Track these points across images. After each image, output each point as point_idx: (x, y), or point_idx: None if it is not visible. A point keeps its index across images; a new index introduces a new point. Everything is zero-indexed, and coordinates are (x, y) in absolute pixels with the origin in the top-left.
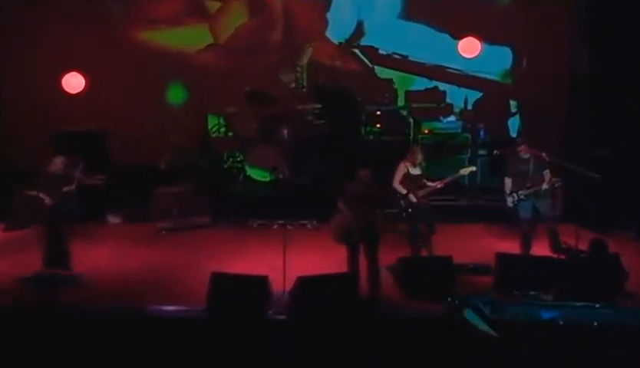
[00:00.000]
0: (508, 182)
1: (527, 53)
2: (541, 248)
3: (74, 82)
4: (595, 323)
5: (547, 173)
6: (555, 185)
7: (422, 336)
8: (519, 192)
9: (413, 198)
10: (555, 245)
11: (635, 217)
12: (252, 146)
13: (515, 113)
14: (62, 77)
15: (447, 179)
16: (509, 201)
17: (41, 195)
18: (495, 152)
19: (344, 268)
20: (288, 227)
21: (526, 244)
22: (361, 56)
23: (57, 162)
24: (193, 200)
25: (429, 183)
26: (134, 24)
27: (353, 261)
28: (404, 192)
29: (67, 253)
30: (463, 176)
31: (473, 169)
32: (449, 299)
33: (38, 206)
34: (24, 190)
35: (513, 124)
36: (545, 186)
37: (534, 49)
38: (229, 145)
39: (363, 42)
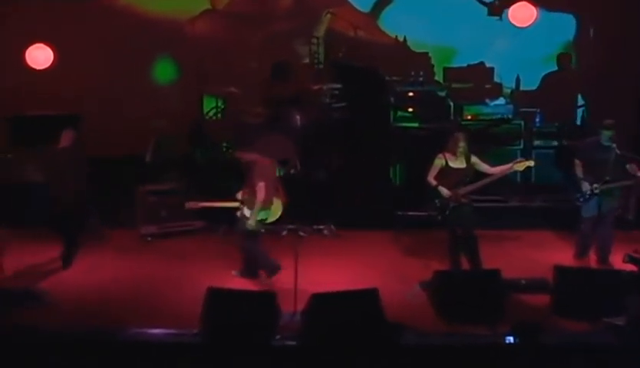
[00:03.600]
0: (579, 165)
1: (595, 21)
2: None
3: (40, 56)
4: None
5: (632, 168)
6: None
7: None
8: (594, 186)
9: (447, 194)
10: (604, 256)
11: None
12: (258, 135)
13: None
14: (26, 50)
15: (496, 175)
16: (586, 188)
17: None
18: (564, 142)
19: (368, 283)
20: (301, 233)
21: (583, 250)
22: None
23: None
24: (185, 200)
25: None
26: None
27: None
28: (445, 190)
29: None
30: (516, 172)
31: (531, 164)
32: None
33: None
34: None
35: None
36: (630, 182)
37: (603, 16)
38: (229, 133)
39: (391, 11)
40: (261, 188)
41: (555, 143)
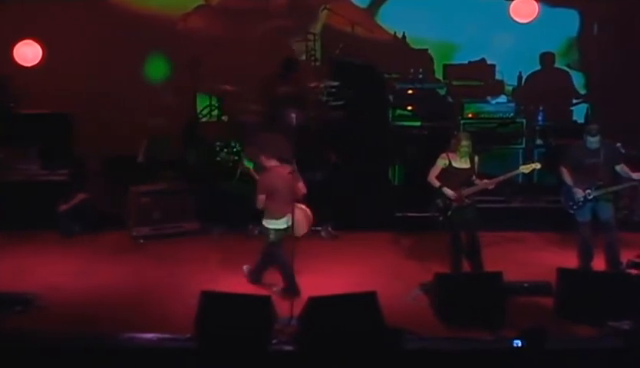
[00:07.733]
0: (565, 173)
1: (598, 17)
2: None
3: (28, 52)
4: None
5: (622, 170)
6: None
7: None
8: (587, 191)
9: (451, 195)
10: (614, 261)
11: None
12: (252, 134)
13: (581, 95)
14: (14, 47)
15: (502, 177)
16: (579, 195)
17: None
18: (551, 141)
19: (366, 286)
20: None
21: (587, 255)
22: None
23: None
24: (178, 201)
25: (478, 181)
26: None
27: None
28: (449, 191)
29: None
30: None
31: (537, 166)
32: None
33: None
34: None
35: (578, 108)
36: (628, 185)
37: (607, 12)
38: (223, 132)
39: (389, 6)
40: (261, 200)
41: (550, 142)
